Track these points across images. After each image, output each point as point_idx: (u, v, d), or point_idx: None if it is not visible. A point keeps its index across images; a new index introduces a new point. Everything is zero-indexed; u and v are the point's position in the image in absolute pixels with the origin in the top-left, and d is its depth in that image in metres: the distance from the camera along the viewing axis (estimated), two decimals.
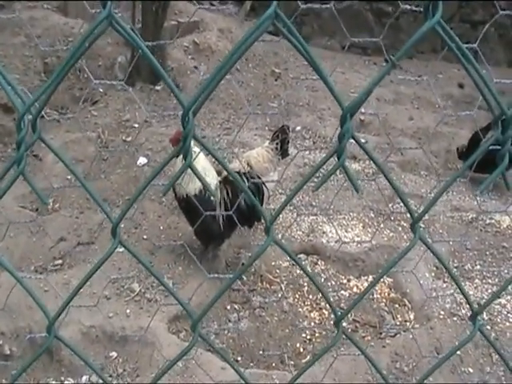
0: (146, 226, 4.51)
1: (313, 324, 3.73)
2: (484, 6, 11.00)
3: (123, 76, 7.71)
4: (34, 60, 6.86)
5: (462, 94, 8.05)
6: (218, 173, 4.19)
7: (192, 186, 3.93)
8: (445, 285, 4.04)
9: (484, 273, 4.23)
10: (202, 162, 3.99)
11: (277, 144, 4.49)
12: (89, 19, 7.50)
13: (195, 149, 3.81)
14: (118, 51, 8.00)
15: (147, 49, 0.86)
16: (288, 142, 4.56)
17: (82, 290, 1.04)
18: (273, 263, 4.19)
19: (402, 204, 5.09)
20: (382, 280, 4.10)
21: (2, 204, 3.97)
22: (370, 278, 4.14)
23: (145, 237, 4.36)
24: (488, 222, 4.96)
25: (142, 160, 5.57)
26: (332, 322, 3.68)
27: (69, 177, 5.06)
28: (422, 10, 0.83)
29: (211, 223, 3.92)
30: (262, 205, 4.15)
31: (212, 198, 3.94)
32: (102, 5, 0.81)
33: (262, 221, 1.19)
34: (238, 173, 4.14)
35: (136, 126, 6.36)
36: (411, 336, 3.37)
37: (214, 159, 1.12)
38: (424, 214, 1.02)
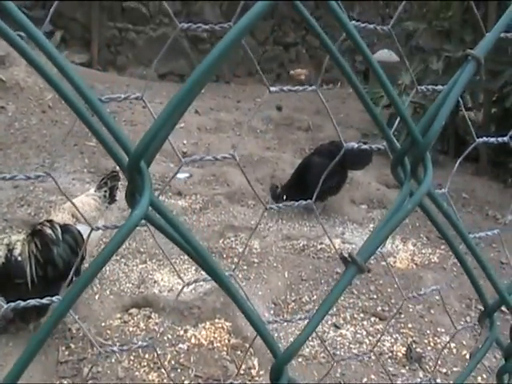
0: None
1: None
2: (295, 29, 11.40)
3: None
4: None
5: (281, 117, 8.16)
6: (33, 226, 3.75)
7: None
8: (285, 323, 3.92)
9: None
10: None
11: (105, 192, 4.17)
12: None
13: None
14: None
15: None
16: (117, 188, 4.25)
17: None
18: (103, 324, 3.83)
19: (233, 239, 4.95)
20: (220, 326, 3.90)
21: None
22: (208, 325, 3.91)
23: None
24: (319, 247, 4.96)
25: None
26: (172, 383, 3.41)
27: None
28: None
29: (26, 291, 3.46)
30: (83, 256, 3.77)
31: (20, 257, 3.46)
32: None
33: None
34: (51, 222, 3.71)
35: None
36: None
37: None
38: None
